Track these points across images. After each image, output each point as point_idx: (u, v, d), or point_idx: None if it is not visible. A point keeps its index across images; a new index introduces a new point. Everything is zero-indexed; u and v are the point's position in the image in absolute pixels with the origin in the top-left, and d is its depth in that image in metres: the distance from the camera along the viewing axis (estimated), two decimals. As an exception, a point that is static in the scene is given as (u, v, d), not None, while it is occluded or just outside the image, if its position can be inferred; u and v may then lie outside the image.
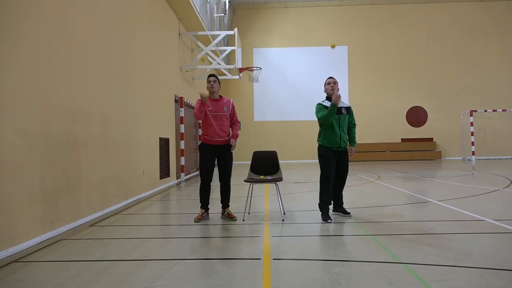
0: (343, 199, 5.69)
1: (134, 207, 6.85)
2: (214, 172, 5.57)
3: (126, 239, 4.58)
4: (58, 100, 4.87)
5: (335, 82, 5.46)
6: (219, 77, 5.69)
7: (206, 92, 5.20)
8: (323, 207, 5.37)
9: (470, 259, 3.45)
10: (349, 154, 5.53)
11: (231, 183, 5.62)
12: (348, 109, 5.51)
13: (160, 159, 9.63)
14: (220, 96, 5.53)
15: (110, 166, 6.42)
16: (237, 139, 5.59)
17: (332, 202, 5.61)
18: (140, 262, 3.59)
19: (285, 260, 3.59)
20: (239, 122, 22.37)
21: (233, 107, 5.60)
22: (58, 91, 4.88)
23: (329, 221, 5.18)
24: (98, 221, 5.59)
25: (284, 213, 5.56)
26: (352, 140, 5.58)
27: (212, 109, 5.37)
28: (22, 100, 4.16)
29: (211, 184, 5.58)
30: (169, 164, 10.53)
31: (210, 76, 5.51)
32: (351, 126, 5.60)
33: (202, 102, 5.22)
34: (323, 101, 5.49)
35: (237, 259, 3.69)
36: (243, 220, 5.36)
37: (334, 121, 5.33)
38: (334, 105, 5.18)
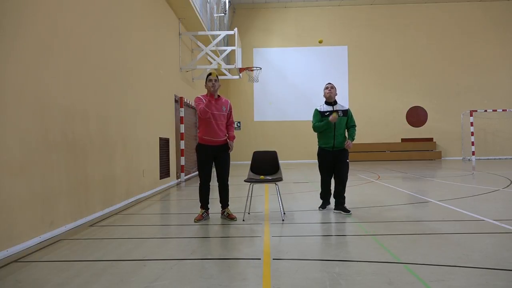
0: (346, 197, 5.85)
1: (134, 207, 6.85)
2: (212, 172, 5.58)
3: (126, 239, 4.58)
4: (57, 100, 4.87)
5: (332, 87, 5.87)
6: (219, 77, 5.68)
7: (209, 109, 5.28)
8: (321, 196, 6.09)
9: (470, 259, 3.45)
10: (345, 145, 5.70)
11: (229, 183, 5.62)
12: (346, 111, 5.80)
13: (160, 159, 9.62)
14: (219, 96, 5.49)
15: (110, 166, 6.42)
16: (234, 140, 5.67)
17: (331, 197, 6.02)
18: (140, 262, 3.59)
19: (285, 260, 3.59)
20: (239, 122, 22.16)
21: (231, 108, 5.61)
22: (57, 91, 4.88)
23: (320, 208, 5.93)
24: (98, 221, 5.59)
25: (284, 213, 5.57)
26: (349, 136, 5.81)
27: (212, 108, 5.34)
28: (21, 100, 4.16)
29: (210, 184, 5.59)
30: (169, 164, 10.53)
31: (210, 74, 5.42)
32: (350, 126, 5.85)
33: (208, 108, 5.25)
34: (321, 105, 5.90)
35: (237, 259, 3.69)
36: (243, 220, 5.36)
37: (329, 123, 5.70)
38: (328, 123, 5.66)
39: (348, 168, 5.80)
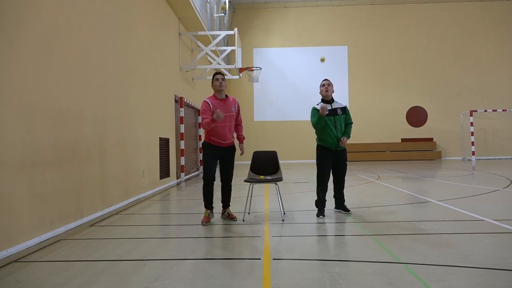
0: (345, 198, 5.79)
1: (134, 207, 6.85)
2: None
3: (126, 239, 4.58)
4: (58, 100, 4.87)
5: (329, 84, 5.62)
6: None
7: (220, 115, 4.88)
8: (317, 204, 5.61)
9: (470, 259, 3.45)
10: (340, 142, 5.49)
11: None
12: (344, 109, 5.64)
13: (160, 159, 9.62)
14: (226, 95, 5.35)
15: (110, 166, 6.42)
16: (244, 141, 5.62)
17: (332, 200, 5.80)
18: (140, 262, 3.59)
19: (285, 260, 3.59)
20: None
21: (239, 106, 5.48)
22: (58, 91, 4.88)
23: (320, 217, 5.41)
24: (98, 221, 5.59)
25: (284, 213, 5.56)
26: (345, 133, 5.59)
27: (221, 110, 5.04)
28: (22, 100, 4.16)
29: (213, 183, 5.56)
30: (169, 164, 10.53)
31: (217, 74, 5.25)
32: (347, 124, 5.66)
33: (215, 120, 4.91)
34: (317, 104, 5.64)
35: (237, 259, 3.69)
36: (243, 220, 5.36)
37: (330, 122, 5.49)
38: (322, 116, 5.38)
39: (346, 169, 5.72)
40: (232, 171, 5.49)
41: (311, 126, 5.72)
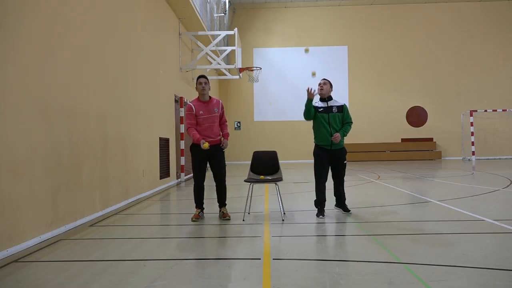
0: (346, 197, 5.77)
1: (134, 207, 6.85)
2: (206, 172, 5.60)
3: (126, 239, 4.58)
4: (58, 100, 4.87)
5: (325, 83, 5.64)
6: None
7: (206, 145, 5.18)
8: (316, 203, 5.60)
9: (470, 259, 3.44)
10: (332, 137, 5.41)
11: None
12: (341, 107, 5.58)
13: (160, 159, 9.62)
14: (210, 97, 5.53)
15: (110, 166, 6.42)
16: (229, 137, 5.71)
17: (332, 198, 5.81)
18: (140, 262, 3.59)
19: (285, 260, 3.59)
20: (239, 122, 22.06)
21: (222, 108, 5.63)
22: (57, 91, 4.88)
23: (320, 217, 5.40)
24: (98, 221, 5.59)
25: (284, 213, 5.56)
26: (341, 130, 5.50)
27: (204, 112, 5.37)
28: (22, 100, 4.16)
29: (204, 183, 5.63)
30: (169, 164, 10.53)
31: (201, 77, 5.42)
32: (345, 123, 5.59)
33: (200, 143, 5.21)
34: (316, 102, 5.66)
35: (237, 259, 3.69)
36: (243, 220, 5.36)
37: (323, 119, 5.49)
38: (308, 100, 5.45)
39: (345, 169, 5.67)
40: (224, 168, 5.57)
41: (311, 126, 5.71)
